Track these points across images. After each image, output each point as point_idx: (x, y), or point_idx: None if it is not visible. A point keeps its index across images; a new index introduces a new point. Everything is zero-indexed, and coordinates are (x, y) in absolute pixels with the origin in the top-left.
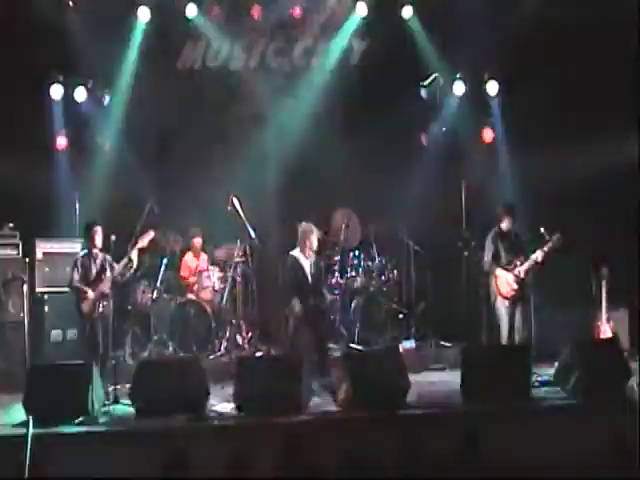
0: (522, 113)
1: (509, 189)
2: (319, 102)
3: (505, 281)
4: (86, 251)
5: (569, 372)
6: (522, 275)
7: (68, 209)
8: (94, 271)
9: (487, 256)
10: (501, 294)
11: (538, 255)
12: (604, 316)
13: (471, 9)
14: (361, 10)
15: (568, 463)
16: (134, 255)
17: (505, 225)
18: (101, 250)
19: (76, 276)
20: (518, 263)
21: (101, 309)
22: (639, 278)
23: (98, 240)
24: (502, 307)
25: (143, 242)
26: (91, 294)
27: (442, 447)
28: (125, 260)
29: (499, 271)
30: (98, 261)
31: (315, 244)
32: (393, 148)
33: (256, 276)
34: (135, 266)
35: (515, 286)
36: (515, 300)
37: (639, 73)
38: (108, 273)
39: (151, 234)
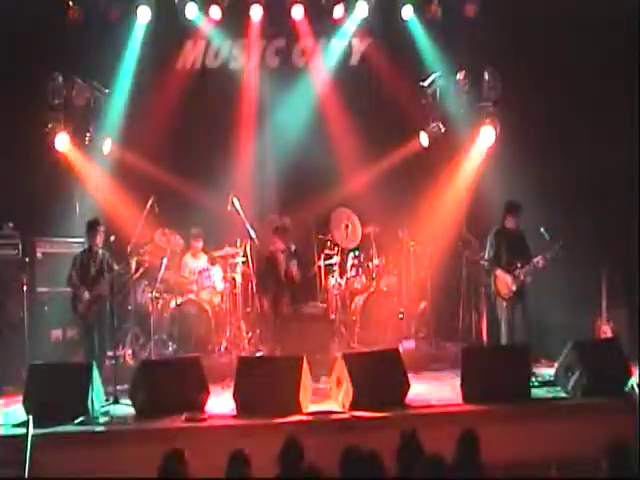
0: (522, 113)
1: (509, 189)
2: (319, 102)
3: (504, 282)
4: (86, 248)
5: (569, 372)
6: (522, 277)
7: (68, 209)
8: (93, 270)
9: (488, 254)
10: (500, 294)
11: (539, 260)
12: (604, 316)
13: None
14: (361, 10)
15: (568, 463)
16: (132, 262)
17: (508, 224)
18: (102, 249)
19: (74, 273)
20: (519, 265)
21: (97, 309)
22: (639, 278)
23: (99, 239)
24: (501, 307)
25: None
26: (87, 295)
27: (442, 447)
28: (122, 265)
29: (499, 271)
30: (97, 260)
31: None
32: (393, 148)
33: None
34: (133, 270)
35: (514, 288)
36: (514, 301)
37: (639, 73)
38: (106, 275)
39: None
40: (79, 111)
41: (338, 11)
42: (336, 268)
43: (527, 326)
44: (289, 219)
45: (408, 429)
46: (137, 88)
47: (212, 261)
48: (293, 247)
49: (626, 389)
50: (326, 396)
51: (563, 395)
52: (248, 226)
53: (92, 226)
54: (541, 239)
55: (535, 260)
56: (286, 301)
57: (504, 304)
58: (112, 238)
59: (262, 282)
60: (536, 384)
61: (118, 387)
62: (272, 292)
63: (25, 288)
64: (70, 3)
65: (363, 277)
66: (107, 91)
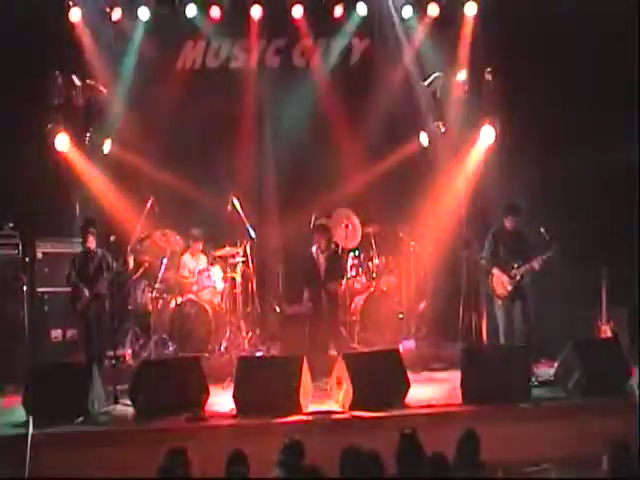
0: (522, 113)
1: (509, 189)
2: (319, 102)
3: (500, 281)
4: (84, 249)
5: (569, 372)
6: (518, 278)
7: (68, 209)
8: (92, 269)
9: (485, 253)
10: (495, 293)
11: (535, 263)
12: (604, 316)
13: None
14: (361, 10)
15: (568, 463)
16: (131, 259)
17: (507, 224)
18: (101, 248)
19: (74, 273)
20: (515, 265)
21: (96, 308)
22: (639, 278)
23: (91, 241)
24: (497, 306)
25: (142, 244)
26: (86, 293)
27: (442, 447)
28: (120, 263)
29: (495, 270)
30: (96, 259)
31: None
32: (393, 148)
33: (256, 276)
34: (131, 267)
35: (509, 287)
36: (511, 300)
37: (639, 72)
38: (105, 273)
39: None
40: (79, 111)
41: (338, 11)
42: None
43: (527, 326)
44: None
45: (408, 429)
46: (137, 88)
47: (212, 261)
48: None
49: (626, 389)
50: (326, 396)
51: (563, 395)
52: (248, 226)
53: (84, 228)
54: (541, 239)
55: (532, 262)
56: (326, 301)
57: (499, 303)
58: (112, 238)
59: (302, 281)
60: (536, 384)
61: (118, 387)
62: (312, 291)
63: (25, 288)
64: (70, 3)
65: (363, 277)
66: (107, 91)
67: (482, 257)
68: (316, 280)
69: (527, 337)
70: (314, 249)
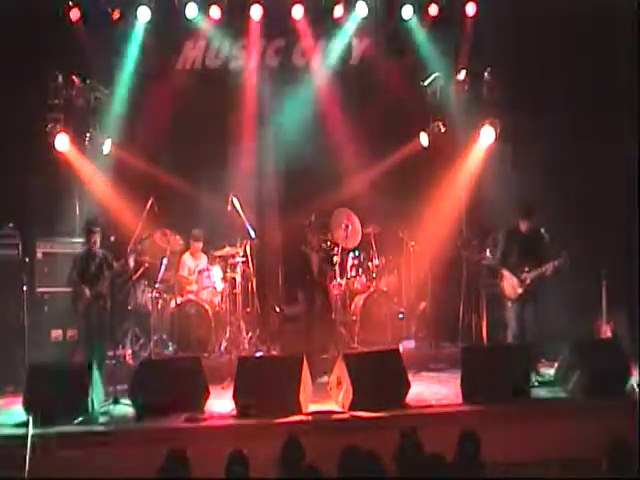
0: (522, 113)
1: (509, 189)
2: (319, 102)
3: (510, 283)
4: (85, 249)
5: (569, 372)
6: (527, 281)
7: (68, 209)
8: (93, 269)
9: (496, 254)
10: (505, 295)
11: (548, 268)
12: (604, 316)
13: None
14: (361, 10)
15: (568, 463)
16: (131, 259)
17: (522, 227)
18: (102, 248)
19: (74, 273)
20: (526, 269)
21: (97, 308)
22: (639, 278)
23: (94, 241)
24: (507, 308)
25: (142, 244)
26: (87, 293)
27: (442, 447)
28: (121, 262)
29: (505, 272)
30: (97, 259)
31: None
32: (393, 148)
33: (256, 276)
34: (132, 268)
35: (519, 290)
36: (521, 303)
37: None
38: (106, 272)
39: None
40: (79, 111)
41: (338, 11)
42: (336, 268)
43: (535, 326)
44: (328, 218)
45: (408, 429)
46: (137, 88)
47: (212, 261)
48: (328, 245)
49: (626, 389)
50: (326, 396)
51: (563, 395)
52: (248, 226)
53: (87, 229)
54: (553, 244)
55: (544, 267)
56: (320, 301)
57: (509, 305)
58: (112, 238)
59: (296, 280)
60: (536, 384)
61: (118, 387)
62: (305, 291)
63: (25, 288)
64: (70, 3)
65: (363, 277)
66: (107, 91)
67: (493, 257)
68: (309, 279)
69: (531, 337)
70: (306, 248)
